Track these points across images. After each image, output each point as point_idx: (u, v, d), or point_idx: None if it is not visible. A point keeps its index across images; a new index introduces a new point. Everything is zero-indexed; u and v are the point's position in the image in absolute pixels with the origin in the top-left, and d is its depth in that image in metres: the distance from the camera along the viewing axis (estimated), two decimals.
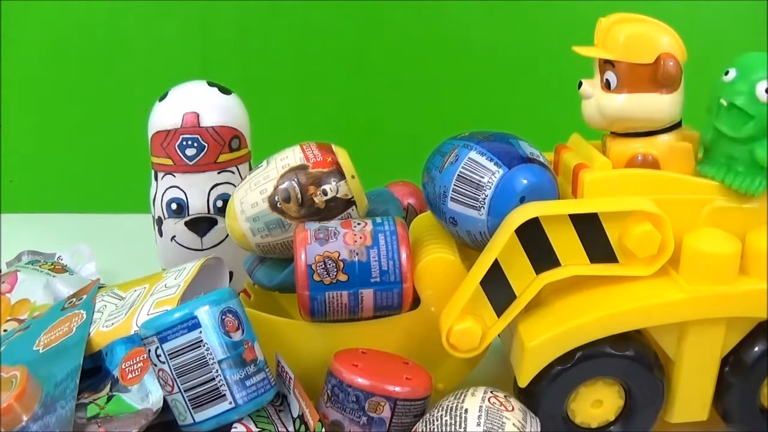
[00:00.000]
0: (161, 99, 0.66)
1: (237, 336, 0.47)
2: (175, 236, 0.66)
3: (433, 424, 0.46)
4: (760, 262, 0.50)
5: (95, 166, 1.04)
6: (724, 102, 0.50)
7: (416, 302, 0.54)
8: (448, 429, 0.46)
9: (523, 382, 0.51)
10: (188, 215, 0.65)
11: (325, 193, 0.54)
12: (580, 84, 0.54)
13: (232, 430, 0.47)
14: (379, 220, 0.54)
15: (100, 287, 0.61)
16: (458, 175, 0.52)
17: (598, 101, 0.53)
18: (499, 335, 0.53)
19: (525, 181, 0.51)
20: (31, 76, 1.02)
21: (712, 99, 0.52)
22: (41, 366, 0.51)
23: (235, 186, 0.60)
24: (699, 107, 0.54)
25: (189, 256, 0.65)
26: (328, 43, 0.99)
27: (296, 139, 0.58)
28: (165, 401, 0.47)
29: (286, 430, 0.48)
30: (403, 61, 0.99)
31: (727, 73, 0.51)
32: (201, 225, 0.66)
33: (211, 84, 0.66)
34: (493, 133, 0.54)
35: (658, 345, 0.52)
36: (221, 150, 0.65)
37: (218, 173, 0.65)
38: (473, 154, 0.52)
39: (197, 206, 0.65)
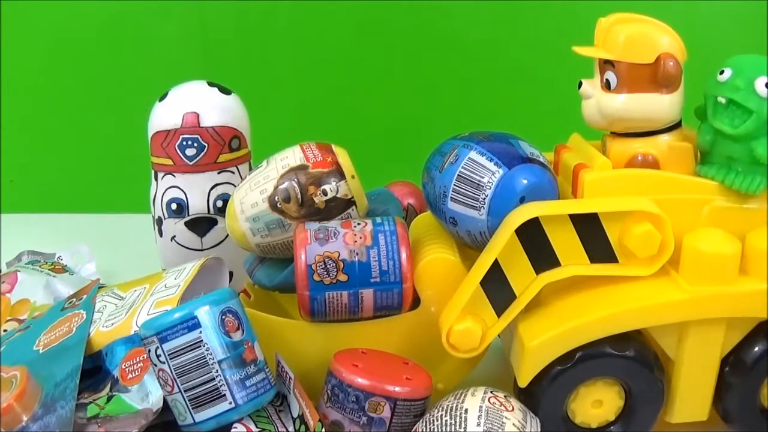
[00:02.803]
0: (161, 99, 0.66)
1: (237, 336, 0.47)
2: (175, 236, 0.66)
3: (433, 424, 0.46)
4: (760, 262, 0.50)
5: (95, 166, 1.04)
6: (722, 99, 0.50)
7: (416, 302, 0.54)
8: (448, 429, 0.46)
9: (523, 382, 0.51)
10: (188, 215, 0.65)
11: (325, 193, 0.54)
12: (580, 84, 0.54)
13: (232, 430, 0.47)
14: (379, 220, 0.54)
15: (100, 287, 0.61)
16: (458, 175, 0.52)
17: (598, 101, 0.53)
18: (499, 335, 0.53)
19: (525, 181, 0.51)
20: (31, 76, 1.02)
21: (706, 100, 0.52)
22: (41, 366, 0.51)
23: (235, 186, 0.60)
24: None
25: (189, 256, 0.65)
26: (328, 43, 0.99)
27: (296, 139, 0.58)
28: (165, 401, 0.47)
29: (286, 430, 0.48)
30: (404, 61, 0.99)
31: (722, 72, 0.51)
32: (201, 225, 0.65)
33: (211, 84, 0.66)
34: (493, 133, 0.54)
35: (658, 345, 0.52)
36: (221, 150, 0.65)
37: (218, 173, 0.65)
38: (473, 154, 0.52)
39: (197, 206, 0.65)
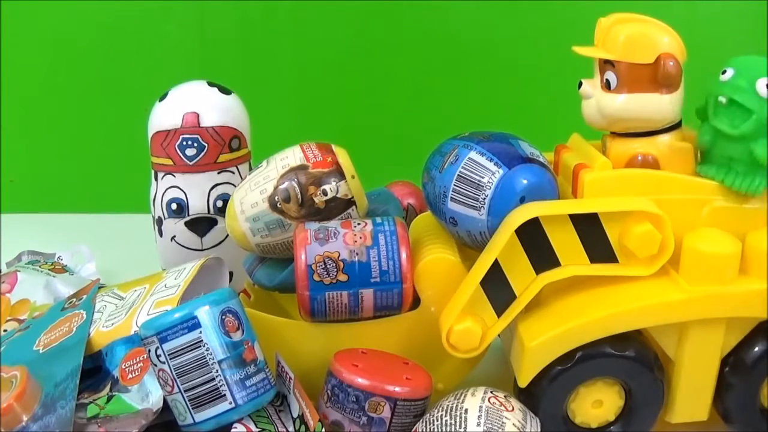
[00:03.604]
0: (161, 99, 0.66)
1: (237, 336, 0.47)
2: (175, 236, 0.66)
3: (433, 424, 0.46)
4: (760, 262, 0.50)
5: (95, 166, 1.04)
6: (722, 99, 0.50)
7: (416, 302, 0.54)
8: (448, 429, 0.46)
9: (523, 382, 0.51)
10: (188, 215, 0.65)
11: (325, 193, 0.54)
12: (580, 84, 0.54)
13: (232, 430, 0.47)
14: (379, 220, 0.54)
15: (100, 287, 0.61)
16: (458, 175, 0.52)
17: (598, 101, 0.53)
18: (499, 335, 0.53)
19: (525, 181, 0.51)
20: (31, 76, 1.02)
21: (708, 100, 0.52)
22: (41, 366, 0.51)
23: (235, 186, 0.60)
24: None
25: (189, 256, 0.65)
26: (328, 43, 0.99)
27: (296, 139, 0.58)
28: (165, 401, 0.47)
29: (286, 430, 0.48)
30: (404, 61, 0.99)
31: (724, 72, 0.51)
32: (201, 225, 0.66)
33: (211, 84, 0.66)
34: (493, 133, 0.54)
35: (658, 345, 0.52)
36: (221, 150, 0.65)
37: (218, 173, 0.65)
38: (473, 154, 0.52)
39: (197, 206, 0.65)
